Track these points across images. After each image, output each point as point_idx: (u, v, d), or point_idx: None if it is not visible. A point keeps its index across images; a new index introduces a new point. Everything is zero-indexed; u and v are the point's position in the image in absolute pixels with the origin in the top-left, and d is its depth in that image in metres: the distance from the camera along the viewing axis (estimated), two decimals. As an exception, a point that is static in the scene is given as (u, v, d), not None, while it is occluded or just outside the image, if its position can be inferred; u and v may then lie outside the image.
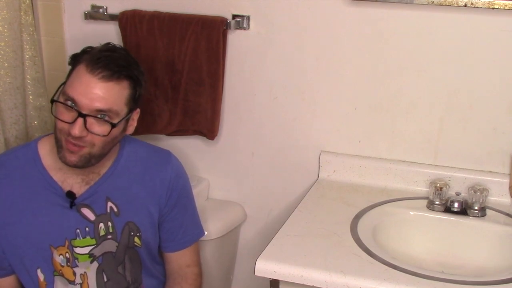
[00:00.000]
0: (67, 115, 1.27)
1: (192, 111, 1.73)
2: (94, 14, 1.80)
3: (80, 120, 1.25)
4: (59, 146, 1.30)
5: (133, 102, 1.34)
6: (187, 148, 1.86)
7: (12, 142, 1.73)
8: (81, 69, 1.28)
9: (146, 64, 1.72)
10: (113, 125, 1.29)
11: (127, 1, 1.76)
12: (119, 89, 1.29)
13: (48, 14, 1.86)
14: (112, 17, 1.77)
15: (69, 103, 1.26)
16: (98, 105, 1.26)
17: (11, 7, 1.66)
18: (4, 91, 1.68)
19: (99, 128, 1.28)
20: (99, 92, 1.26)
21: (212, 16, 1.67)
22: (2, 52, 1.66)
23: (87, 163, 1.32)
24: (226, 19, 1.66)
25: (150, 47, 1.71)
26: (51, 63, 1.90)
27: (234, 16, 1.68)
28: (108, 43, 1.38)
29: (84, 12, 1.81)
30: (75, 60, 1.32)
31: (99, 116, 1.27)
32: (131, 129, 1.39)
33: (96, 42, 1.81)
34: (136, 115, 1.39)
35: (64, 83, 1.31)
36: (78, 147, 1.28)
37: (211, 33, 1.65)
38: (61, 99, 1.28)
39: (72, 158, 1.29)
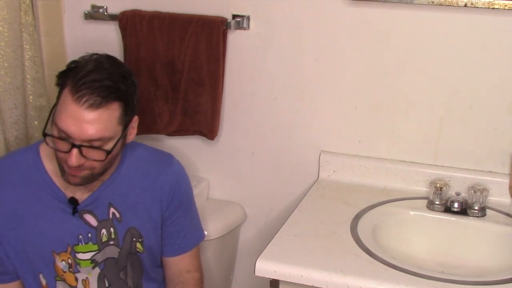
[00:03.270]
0: (62, 145, 1.25)
1: (192, 111, 1.73)
2: (94, 14, 1.80)
3: (75, 150, 1.23)
4: (61, 169, 1.30)
5: (127, 117, 1.30)
6: (187, 148, 1.86)
7: (12, 142, 1.73)
8: (67, 97, 1.22)
9: (146, 64, 1.72)
10: (108, 152, 1.26)
11: (127, 1, 1.76)
12: (109, 114, 1.23)
13: (48, 14, 1.86)
14: (112, 17, 1.77)
15: (61, 134, 1.23)
16: (89, 135, 1.22)
17: (11, 7, 1.66)
18: (4, 91, 1.68)
19: (95, 154, 1.26)
20: (88, 123, 1.21)
21: (212, 16, 1.67)
22: (2, 52, 1.66)
23: (90, 181, 1.32)
24: (226, 19, 1.66)
25: (150, 47, 1.71)
26: (51, 63, 1.90)
27: (234, 16, 1.68)
28: (93, 55, 1.29)
29: (84, 12, 1.81)
30: (62, 80, 1.26)
31: (92, 145, 1.24)
32: (131, 137, 1.36)
33: (96, 42, 1.82)
34: (135, 122, 1.35)
35: (54, 107, 1.27)
36: (79, 171, 1.27)
37: (211, 33, 1.65)
38: (54, 131, 1.25)
39: (75, 180, 1.29)
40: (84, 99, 1.20)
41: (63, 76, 1.26)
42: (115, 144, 1.28)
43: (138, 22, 1.70)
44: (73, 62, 1.28)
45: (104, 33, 1.82)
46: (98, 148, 1.25)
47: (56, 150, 1.27)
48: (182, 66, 1.69)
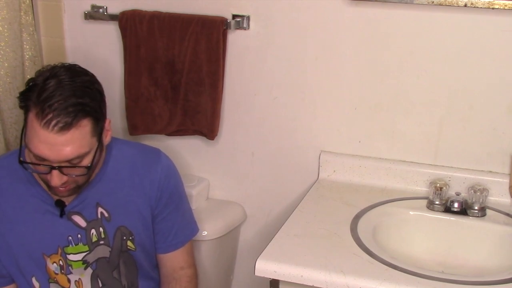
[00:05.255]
0: (41, 168, 1.24)
1: (192, 111, 1.73)
2: (94, 14, 1.80)
3: (55, 172, 1.22)
4: (47, 185, 1.29)
5: (99, 126, 1.27)
6: (187, 148, 1.86)
7: (12, 142, 1.73)
8: (34, 123, 1.19)
9: (146, 64, 1.72)
10: (88, 167, 1.26)
11: (127, 1, 1.76)
12: (80, 132, 1.21)
13: (48, 14, 1.86)
14: (112, 17, 1.76)
15: (38, 159, 1.22)
16: (65, 156, 1.21)
17: (11, 7, 1.66)
18: (4, 91, 1.68)
19: (75, 171, 1.25)
20: (61, 146, 1.20)
21: (212, 16, 1.67)
22: (2, 52, 1.66)
23: (79, 191, 1.32)
24: (226, 19, 1.66)
25: (150, 47, 1.71)
26: (51, 63, 1.89)
27: (234, 16, 1.68)
28: (50, 68, 1.25)
29: (84, 12, 1.81)
30: (24, 103, 1.22)
31: (71, 164, 1.23)
32: (108, 139, 1.34)
33: (96, 42, 1.83)
34: (108, 125, 1.32)
35: (23, 129, 1.24)
36: (64, 187, 1.27)
37: (211, 33, 1.65)
38: (29, 154, 1.24)
39: (63, 193, 1.29)
40: (53, 123, 1.18)
41: (25, 99, 1.22)
42: (94, 156, 1.27)
43: (138, 22, 1.70)
44: (31, 80, 1.24)
45: (104, 33, 1.82)
46: (77, 166, 1.24)
47: (37, 173, 1.27)
48: (182, 66, 1.69)
